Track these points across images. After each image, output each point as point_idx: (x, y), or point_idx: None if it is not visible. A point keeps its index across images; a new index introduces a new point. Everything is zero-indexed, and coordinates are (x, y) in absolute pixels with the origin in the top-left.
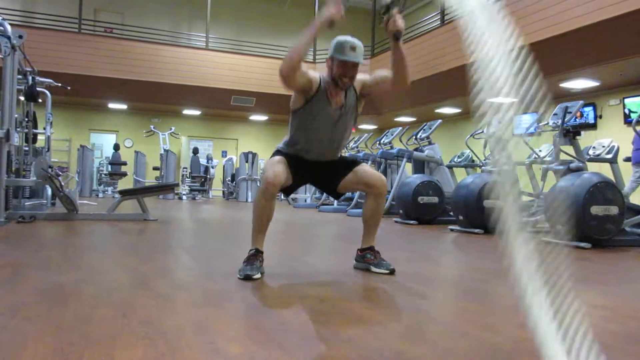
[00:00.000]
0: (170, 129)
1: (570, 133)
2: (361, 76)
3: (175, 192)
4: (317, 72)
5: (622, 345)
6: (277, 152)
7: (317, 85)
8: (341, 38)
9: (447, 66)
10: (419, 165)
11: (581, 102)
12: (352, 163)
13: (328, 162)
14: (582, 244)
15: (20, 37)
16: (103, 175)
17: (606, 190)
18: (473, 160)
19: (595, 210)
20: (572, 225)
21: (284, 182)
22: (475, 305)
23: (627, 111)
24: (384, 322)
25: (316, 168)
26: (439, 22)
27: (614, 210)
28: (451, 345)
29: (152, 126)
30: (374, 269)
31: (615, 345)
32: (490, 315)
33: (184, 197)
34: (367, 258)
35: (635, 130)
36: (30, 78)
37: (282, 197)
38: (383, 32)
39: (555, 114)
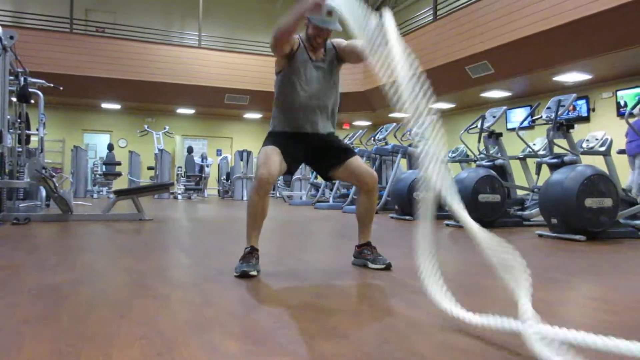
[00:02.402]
0: (165, 128)
1: (564, 126)
2: (339, 41)
3: (171, 191)
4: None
5: (617, 335)
6: (269, 137)
7: (297, 43)
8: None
9: (439, 62)
10: (415, 161)
11: (574, 95)
12: (345, 152)
13: (320, 137)
14: (577, 237)
15: (12, 37)
16: (97, 176)
17: (600, 183)
18: (467, 155)
19: (590, 202)
20: (567, 217)
21: (277, 176)
22: (472, 299)
23: (623, 102)
24: (381, 318)
25: (309, 146)
26: (432, 18)
27: (608, 202)
28: (450, 341)
29: (146, 126)
30: (370, 264)
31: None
32: (486, 310)
33: (179, 197)
34: (364, 254)
35: (628, 123)
36: (22, 79)
37: (278, 194)
38: None
39: (548, 108)
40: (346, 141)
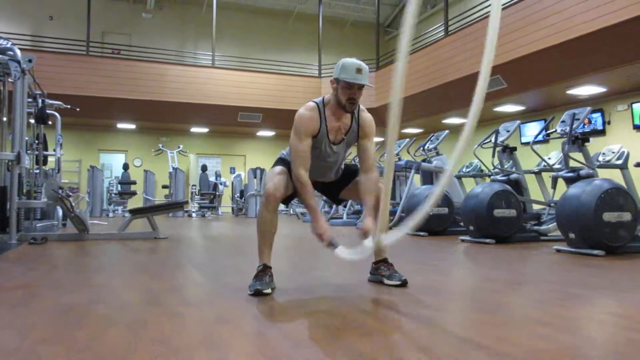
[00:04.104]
0: (179, 147)
1: (579, 140)
2: (367, 123)
3: (185, 209)
4: (313, 107)
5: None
6: (280, 161)
7: (317, 125)
8: (347, 60)
9: (452, 76)
10: (428, 177)
11: (589, 108)
12: (353, 173)
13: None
14: (595, 252)
15: (30, 61)
16: (113, 195)
17: (618, 197)
18: (482, 170)
19: (608, 217)
20: (585, 232)
21: (285, 193)
22: (488, 316)
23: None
24: (396, 335)
25: (323, 185)
26: (444, 33)
27: (626, 216)
28: (466, 358)
29: (160, 145)
30: (386, 281)
31: (634, 353)
32: (505, 327)
33: (194, 215)
34: (380, 270)
35: None
36: (40, 101)
37: (291, 211)
38: (387, 46)
39: (563, 121)
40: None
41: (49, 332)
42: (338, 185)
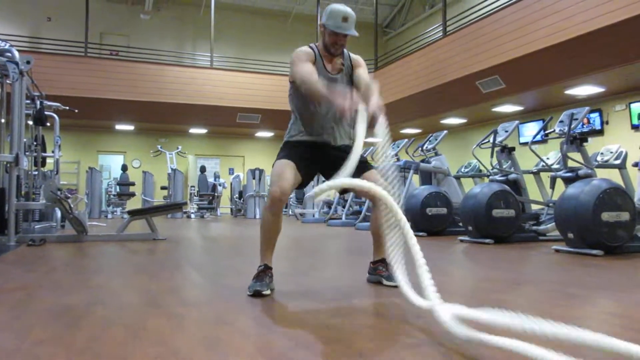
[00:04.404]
0: (177, 148)
1: (577, 140)
2: (358, 58)
3: (184, 210)
4: (306, 47)
5: None
6: (284, 147)
7: (313, 57)
8: (335, 6)
9: (450, 77)
10: (426, 177)
11: (587, 108)
12: (362, 166)
13: (337, 149)
14: (594, 251)
15: (28, 62)
16: (112, 196)
17: (616, 197)
18: (480, 170)
19: (606, 216)
20: (583, 232)
21: (290, 192)
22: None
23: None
24: (395, 336)
25: (326, 158)
26: (442, 34)
27: (625, 216)
28: (464, 358)
29: (159, 146)
30: (385, 281)
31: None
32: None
33: (193, 216)
34: (379, 270)
35: None
36: (38, 102)
37: (290, 212)
38: (386, 46)
39: (561, 121)
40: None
41: (48, 333)
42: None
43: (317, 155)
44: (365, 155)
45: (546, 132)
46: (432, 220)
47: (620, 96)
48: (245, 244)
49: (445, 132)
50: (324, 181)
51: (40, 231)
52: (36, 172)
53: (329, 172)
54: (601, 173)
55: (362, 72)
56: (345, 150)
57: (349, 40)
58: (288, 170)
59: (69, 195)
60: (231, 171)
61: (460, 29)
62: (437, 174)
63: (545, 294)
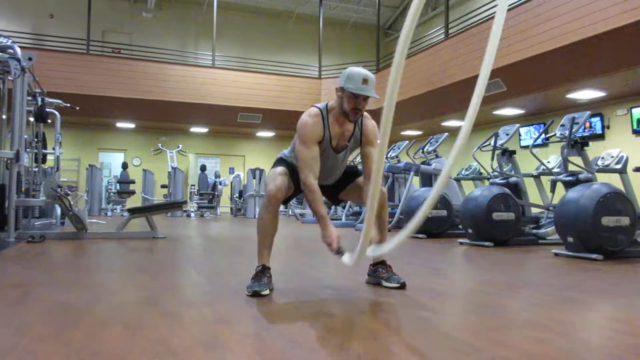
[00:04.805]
0: (178, 146)
1: (578, 144)
2: (371, 131)
3: (184, 209)
4: (317, 112)
5: (637, 357)
6: (280, 161)
7: (321, 132)
8: (354, 69)
9: (452, 79)
10: (427, 179)
11: (588, 112)
12: (353, 174)
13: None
14: (594, 256)
15: (30, 59)
16: (112, 194)
17: (616, 201)
18: (481, 173)
19: (606, 221)
20: (583, 236)
21: (285, 194)
22: (486, 319)
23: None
24: (394, 337)
25: (324, 188)
26: (443, 36)
27: (625, 221)
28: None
29: (159, 144)
30: (384, 283)
31: (630, 358)
32: (502, 330)
33: (192, 215)
34: (378, 272)
35: None
36: (39, 99)
37: (290, 212)
38: (388, 48)
39: (562, 125)
40: (358, 159)
41: (46, 330)
42: (338, 186)
43: None
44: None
45: (547, 135)
46: (431, 223)
47: (622, 101)
48: (245, 244)
49: (446, 134)
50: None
51: (40, 228)
52: (36, 169)
53: (323, 189)
54: (602, 177)
55: (372, 152)
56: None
57: (351, 40)
58: (283, 175)
59: (69, 192)
60: (231, 170)
61: (462, 31)
62: (438, 176)
63: (543, 298)
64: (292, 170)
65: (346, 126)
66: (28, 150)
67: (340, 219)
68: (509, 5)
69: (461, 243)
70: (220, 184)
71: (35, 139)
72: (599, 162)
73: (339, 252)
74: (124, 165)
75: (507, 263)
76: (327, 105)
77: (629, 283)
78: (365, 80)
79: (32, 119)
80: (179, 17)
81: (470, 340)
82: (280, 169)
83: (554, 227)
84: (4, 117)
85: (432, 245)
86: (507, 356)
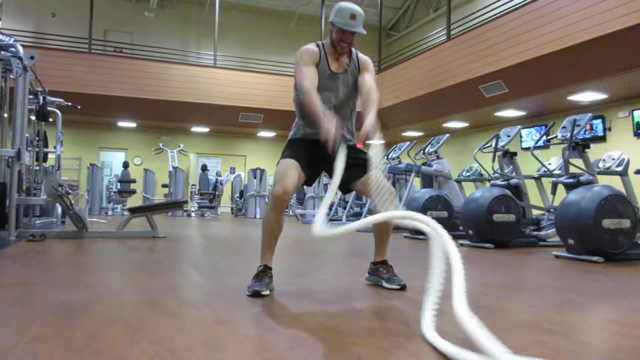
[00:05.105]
0: (179, 146)
1: (580, 146)
2: (366, 61)
3: (184, 209)
4: (313, 44)
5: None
6: (289, 146)
7: (318, 56)
8: (343, 4)
9: (453, 80)
10: (428, 180)
11: (590, 114)
12: (366, 166)
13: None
14: (594, 258)
15: (32, 57)
16: (112, 193)
17: (617, 204)
18: (482, 174)
19: (607, 223)
20: (584, 238)
21: (293, 191)
22: (487, 320)
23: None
24: (395, 338)
25: (328, 155)
26: (445, 37)
27: (626, 223)
28: None
29: (160, 144)
30: (385, 284)
31: None
32: (502, 332)
33: (193, 214)
34: (379, 272)
35: None
36: (41, 98)
37: (291, 212)
38: (390, 48)
39: (564, 127)
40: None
41: (47, 330)
42: (349, 174)
43: (320, 153)
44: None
45: (548, 137)
46: None
47: (623, 103)
48: (245, 244)
49: (447, 135)
50: (325, 183)
51: (41, 227)
52: (37, 168)
53: (331, 173)
54: (603, 180)
55: (368, 77)
56: (349, 149)
57: (354, 41)
58: (292, 170)
59: (70, 191)
60: (232, 170)
61: (464, 33)
62: (439, 177)
63: (544, 300)
64: (301, 154)
65: (341, 59)
66: (29, 148)
67: (341, 220)
68: (512, 7)
69: (462, 244)
70: (221, 183)
71: (37, 138)
72: (600, 165)
73: (335, 148)
74: (125, 165)
75: (507, 265)
76: (323, 42)
77: (629, 285)
78: (353, 16)
79: (33, 118)
80: (180, 17)
81: (471, 341)
82: (289, 161)
83: (554, 229)
84: (5, 115)
85: None
86: None
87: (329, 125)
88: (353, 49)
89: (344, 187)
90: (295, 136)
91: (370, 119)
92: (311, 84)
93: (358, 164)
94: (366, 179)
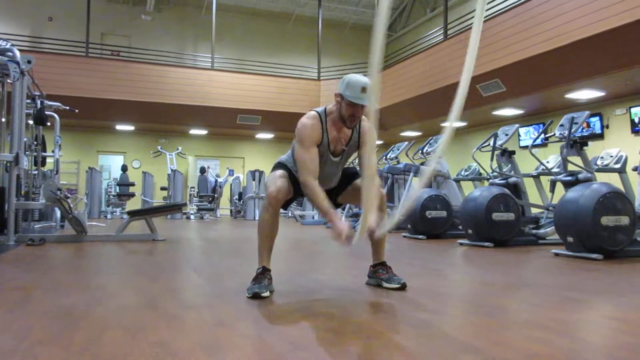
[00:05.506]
0: (177, 149)
1: (578, 144)
2: (368, 132)
3: (183, 211)
4: (315, 115)
5: (637, 357)
6: (279, 165)
7: (320, 135)
8: (353, 77)
9: (451, 80)
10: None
11: (587, 112)
12: (353, 176)
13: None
14: (594, 255)
15: (29, 62)
16: (111, 197)
17: (616, 201)
18: (480, 174)
19: (606, 221)
20: (583, 236)
21: (286, 196)
22: (486, 320)
23: (637, 119)
24: (394, 338)
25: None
26: (442, 37)
27: (624, 220)
28: None
29: (159, 147)
30: (385, 284)
31: (630, 357)
32: (502, 330)
33: (192, 217)
34: (378, 273)
35: None
36: (38, 102)
37: (290, 214)
38: (387, 49)
39: (561, 125)
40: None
41: (46, 334)
42: (336, 190)
43: None
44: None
45: (546, 135)
46: (431, 223)
47: (621, 100)
48: (245, 245)
49: None
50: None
51: (40, 231)
52: (36, 172)
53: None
54: (601, 177)
55: (368, 154)
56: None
57: (350, 41)
58: (284, 178)
59: (69, 195)
60: (231, 172)
61: (461, 32)
62: (437, 177)
63: (544, 298)
64: (291, 175)
65: (344, 130)
66: (27, 153)
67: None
68: (508, 6)
69: (461, 244)
70: (220, 186)
71: (35, 142)
72: (598, 162)
73: (351, 240)
74: (124, 168)
75: (507, 263)
76: (325, 109)
77: (628, 282)
78: (363, 89)
79: (31, 122)
80: (178, 20)
81: (471, 340)
82: (279, 172)
83: (553, 227)
84: (3, 120)
85: (432, 246)
86: (508, 357)
87: (341, 229)
88: None
89: (333, 203)
90: (288, 165)
91: (373, 215)
92: (314, 174)
93: (344, 177)
94: (354, 185)
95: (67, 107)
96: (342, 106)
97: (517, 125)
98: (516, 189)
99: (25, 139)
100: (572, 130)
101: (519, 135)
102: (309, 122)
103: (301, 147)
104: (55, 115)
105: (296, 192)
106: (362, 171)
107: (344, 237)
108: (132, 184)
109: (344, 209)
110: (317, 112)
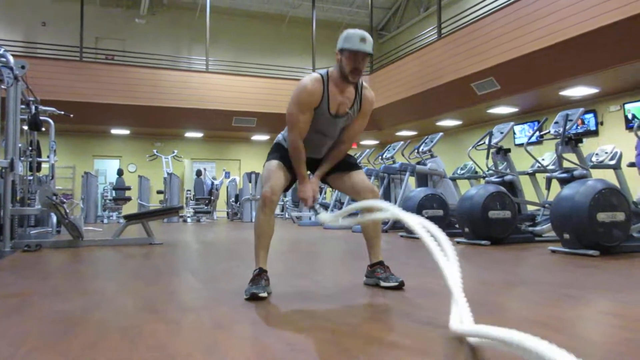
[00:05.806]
0: (173, 152)
1: (572, 141)
2: (369, 100)
3: (180, 215)
4: (317, 78)
5: (635, 352)
6: (275, 149)
7: (320, 97)
8: (350, 30)
9: (445, 79)
10: (422, 179)
11: (582, 109)
12: (351, 166)
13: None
14: (590, 252)
15: (23, 67)
16: (107, 201)
17: (611, 197)
18: (476, 172)
19: (602, 217)
20: (579, 232)
21: (281, 191)
22: (484, 317)
23: (631, 115)
24: (393, 339)
25: (313, 162)
26: (436, 36)
27: (620, 216)
28: None
29: (155, 150)
30: (382, 283)
31: (629, 352)
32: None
33: (189, 220)
34: (376, 272)
35: (637, 136)
36: (33, 107)
37: (287, 215)
38: (381, 49)
39: (556, 122)
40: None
41: (43, 340)
42: (331, 171)
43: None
44: (360, 158)
45: (541, 133)
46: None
47: (615, 97)
48: (242, 248)
49: (441, 134)
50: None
51: (36, 236)
52: (31, 177)
53: (314, 170)
54: (596, 173)
55: (358, 125)
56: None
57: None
58: (279, 171)
59: (65, 200)
60: (227, 175)
61: (455, 31)
62: (433, 176)
63: (541, 295)
64: (287, 161)
65: (347, 94)
66: (22, 158)
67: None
68: (502, 4)
69: (458, 242)
70: (216, 189)
71: (30, 148)
72: (593, 159)
73: (313, 208)
74: (120, 172)
75: (504, 261)
76: (327, 71)
77: (625, 278)
78: (362, 39)
79: (26, 128)
80: (172, 23)
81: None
82: (275, 163)
83: (550, 224)
84: None
85: None
86: (506, 355)
87: (308, 193)
88: (360, 82)
89: (324, 181)
90: (284, 144)
91: (315, 185)
92: (301, 137)
93: (343, 163)
94: (350, 176)
95: (62, 112)
96: (343, 62)
97: (512, 123)
98: (512, 187)
99: (19, 145)
100: (567, 127)
101: (514, 133)
102: (310, 84)
103: (295, 108)
104: (50, 120)
105: (293, 178)
106: (343, 132)
107: (309, 202)
108: (128, 188)
109: (340, 210)
110: (320, 73)
